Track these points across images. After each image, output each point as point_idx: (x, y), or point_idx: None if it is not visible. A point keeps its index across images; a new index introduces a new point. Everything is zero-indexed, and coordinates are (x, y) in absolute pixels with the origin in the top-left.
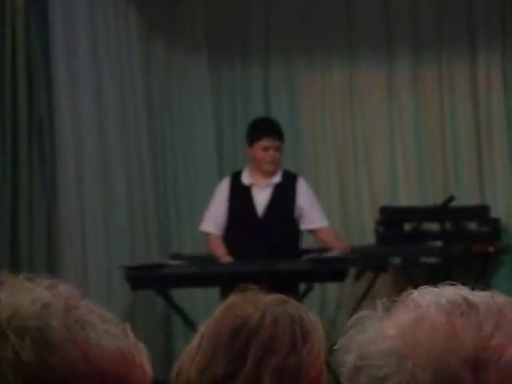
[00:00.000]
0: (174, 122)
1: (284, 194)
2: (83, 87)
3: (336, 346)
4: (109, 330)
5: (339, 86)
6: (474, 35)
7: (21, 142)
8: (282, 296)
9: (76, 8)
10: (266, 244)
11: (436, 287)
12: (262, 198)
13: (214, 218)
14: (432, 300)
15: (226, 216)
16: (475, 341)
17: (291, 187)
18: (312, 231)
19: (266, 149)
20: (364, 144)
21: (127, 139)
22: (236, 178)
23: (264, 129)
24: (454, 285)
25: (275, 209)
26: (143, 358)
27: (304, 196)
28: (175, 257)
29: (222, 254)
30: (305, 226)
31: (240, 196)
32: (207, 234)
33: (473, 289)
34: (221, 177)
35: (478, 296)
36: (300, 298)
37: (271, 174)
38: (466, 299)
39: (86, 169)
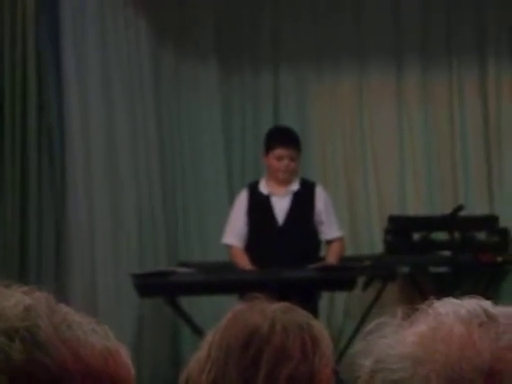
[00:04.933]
0: (183, 131)
1: (303, 201)
2: (93, 95)
3: (352, 352)
4: (94, 329)
5: (348, 94)
6: (484, 42)
7: (30, 149)
8: (288, 304)
9: (86, 17)
10: (287, 252)
11: (456, 298)
12: (281, 206)
13: (235, 230)
14: (451, 309)
15: (247, 227)
16: (492, 351)
17: (310, 194)
18: (325, 242)
19: (280, 158)
20: (373, 153)
21: (136, 148)
22: (254, 188)
23: (278, 138)
24: (474, 297)
25: (295, 216)
26: (127, 357)
27: (322, 202)
28: (183, 265)
29: (245, 264)
30: (320, 236)
31: (259, 206)
32: (229, 247)
33: (485, 298)
34: (230, 184)
35: (500, 309)
36: (316, 308)
37: (287, 182)
38: (486, 311)
39: (95, 177)
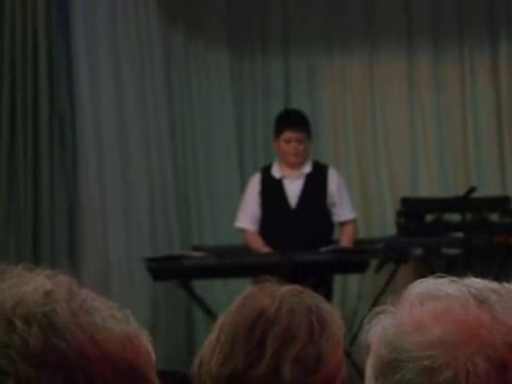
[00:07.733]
0: (194, 114)
1: (316, 184)
2: (104, 81)
3: (363, 338)
4: (113, 314)
5: (359, 75)
6: (495, 24)
7: (42, 134)
8: (299, 286)
9: (96, 4)
10: (300, 235)
11: (446, 278)
12: (294, 189)
13: (248, 214)
14: (463, 289)
15: (260, 211)
16: None
17: (322, 176)
18: (339, 224)
19: (288, 141)
20: (384, 134)
21: (147, 132)
22: (266, 172)
23: (286, 121)
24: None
25: (308, 198)
26: (148, 342)
27: (335, 184)
28: (196, 248)
29: (260, 245)
30: (333, 218)
31: (272, 189)
32: (243, 231)
33: (495, 280)
34: (241, 167)
35: (492, 284)
36: (330, 291)
37: (297, 165)
38: (488, 287)
39: (106, 161)
